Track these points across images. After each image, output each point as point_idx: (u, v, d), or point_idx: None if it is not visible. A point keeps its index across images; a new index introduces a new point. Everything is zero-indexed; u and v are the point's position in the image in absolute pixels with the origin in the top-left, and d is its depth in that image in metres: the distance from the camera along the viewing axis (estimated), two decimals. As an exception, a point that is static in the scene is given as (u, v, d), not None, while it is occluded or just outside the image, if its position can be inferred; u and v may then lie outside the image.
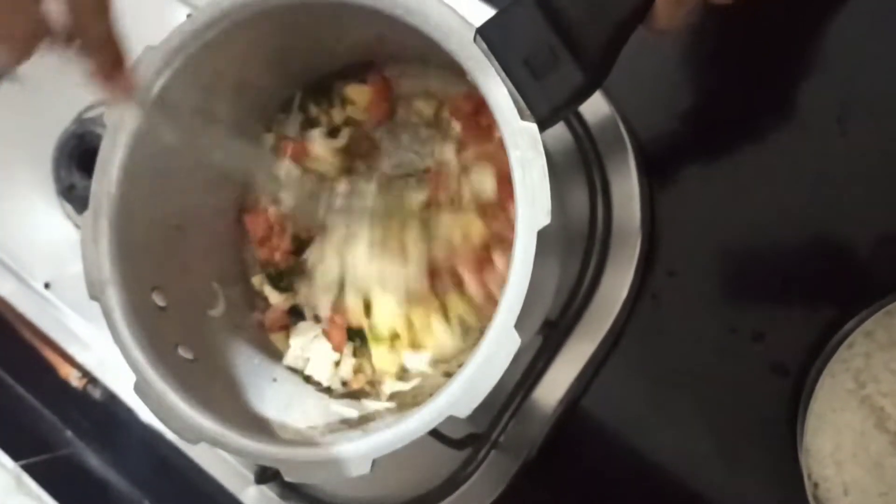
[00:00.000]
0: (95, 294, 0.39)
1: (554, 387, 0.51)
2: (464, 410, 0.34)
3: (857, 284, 0.49)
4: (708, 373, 0.51)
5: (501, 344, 0.34)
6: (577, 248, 0.50)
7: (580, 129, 0.50)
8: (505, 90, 0.35)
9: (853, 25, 0.49)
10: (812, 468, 0.47)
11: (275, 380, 0.45)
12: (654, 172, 0.52)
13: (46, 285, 0.60)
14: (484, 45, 0.35)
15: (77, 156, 0.58)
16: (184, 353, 0.41)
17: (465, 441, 0.49)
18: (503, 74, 0.35)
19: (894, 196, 0.48)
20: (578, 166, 0.51)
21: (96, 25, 0.32)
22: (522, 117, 0.35)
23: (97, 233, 0.40)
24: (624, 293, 0.51)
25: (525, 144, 0.34)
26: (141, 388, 0.38)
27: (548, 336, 0.50)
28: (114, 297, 0.39)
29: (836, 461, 0.47)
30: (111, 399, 0.59)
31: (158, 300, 0.41)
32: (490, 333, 0.34)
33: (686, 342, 0.51)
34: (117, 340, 0.39)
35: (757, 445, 0.50)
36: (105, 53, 0.33)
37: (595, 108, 0.51)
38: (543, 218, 0.33)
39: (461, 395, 0.34)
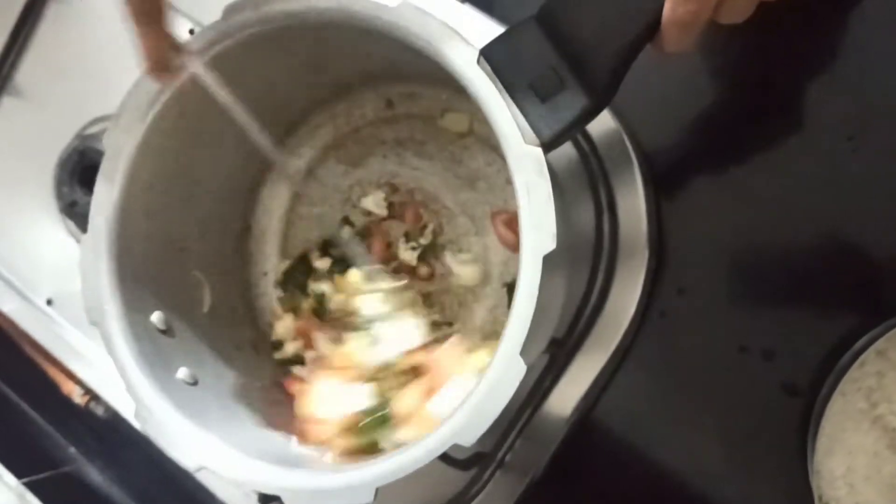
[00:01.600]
0: (95, 319, 0.39)
1: (561, 405, 0.50)
2: (469, 438, 0.34)
3: (868, 301, 0.48)
4: (718, 392, 0.50)
5: (507, 371, 0.33)
6: (583, 264, 0.50)
7: (585, 143, 0.50)
8: (508, 113, 0.34)
9: (864, 40, 0.48)
10: (823, 490, 0.46)
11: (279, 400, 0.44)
12: (661, 187, 0.51)
13: (49, 302, 0.60)
14: (488, 67, 0.35)
15: (79, 172, 0.57)
16: (184, 377, 0.40)
17: (471, 461, 0.48)
18: (507, 97, 0.34)
19: (905, 213, 0.48)
20: (583, 181, 0.50)
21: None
22: (526, 140, 0.34)
23: (96, 256, 0.39)
24: (632, 310, 0.50)
25: (530, 168, 0.33)
26: (141, 415, 0.38)
27: (554, 354, 0.49)
28: (113, 321, 0.39)
29: (848, 483, 0.46)
30: (114, 416, 0.59)
31: (159, 324, 0.41)
32: (495, 360, 0.33)
33: (695, 361, 0.50)
34: (118, 366, 0.38)
35: (768, 466, 0.49)
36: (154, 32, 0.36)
37: (600, 122, 0.50)
38: (549, 243, 0.33)
39: (466, 423, 0.34)
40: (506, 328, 0.33)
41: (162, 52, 0.36)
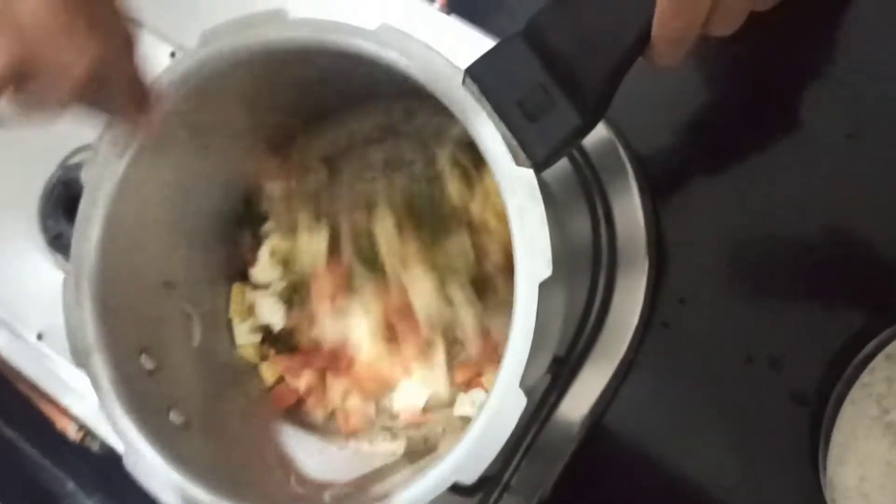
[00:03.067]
0: (81, 361, 0.38)
1: (566, 423, 0.49)
2: (471, 475, 0.33)
3: (874, 303, 0.47)
4: (725, 403, 0.49)
5: (506, 404, 0.32)
6: (582, 279, 0.49)
7: (578, 154, 0.49)
8: (498, 135, 0.33)
9: (859, 38, 0.48)
10: (837, 501, 0.45)
11: (274, 438, 0.43)
12: (658, 194, 0.50)
13: (39, 336, 0.59)
14: (474, 87, 0.34)
15: (63, 204, 0.56)
16: (176, 417, 0.39)
17: (476, 486, 0.47)
18: (496, 117, 0.33)
19: (908, 213, 0.47)
20: (578, 193, 0.49)
21: (125, 66, 0.33)
22: (518, 162, 0.33)
23: (80, 296, 0.38)
24: (634, 323, 0.49)
25: (522, 192, 0.32)
26: (132, 461, 0.36)
27: (556, 373, 0.48)
28: (100, 363, 0.37)
29: (862, 493, 0.45)
30: (110, 451, 0.58)
31: (147, 363, 0.40)
32: (494, 393, 0.32)
33: (701, 372, 0.49)
34: (105, 410, 0.37)
35: (780, 477, 0.48)
36: (133, 92, 0.34)
37: (593, 131, 0.49)
38: (545, 269, 0.32)
39: (467, 459, 0.33)
40: (503, 359, 0.32)
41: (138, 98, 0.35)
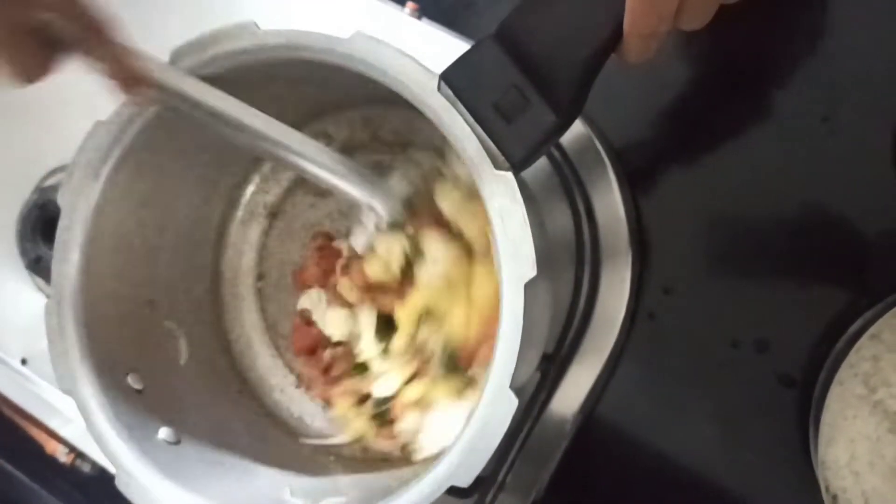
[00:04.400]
0: (67, 387, 0.37)
1: (558, 419, 0.49)
2: (465, 479, 0.33)
3: (856, 283, 0.48)
4: (715, 390, 0.49)
5: (497, 406, 0.32)
6: (566, 275, 0.49)
7: (556, 151, 0.49)
8: (475, 138, 0.33)
9: (831, 21, 0.48)
10: (829, 480, 0.45)
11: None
12: (638, 187, 0.50)
13: (23, 361, 0.58)
14: (449, 92, 0.33)
15: (41, 227, 0.56)
16: (166, 436, 0.39)
17: (472, 487, 0.47)
18: (472, 121, 0.33)
19: (886, 192, 0.47)
20: (558, 190, 0.49)
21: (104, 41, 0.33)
22: (496, 164, 0.33)
23: (62, 322, 0.38)
24: (620, 315, 0.49)
25: (502, 193, 0.32)
26: (122, 481, 0.36)
27: (546, 370, 0.48)
28: (87, 388, 0.37)
29: (853, 471, 0.45)
30: (101, 472, 0.57)
31: (135, 384, 0.39)
32: (485, 397, 0.32)
33: (689, 360, 0.50)
34: (94, 434, 0.37)
35: (771, 460, 0.48)
36: (117, 65, 0.34)
37: (570, 128, 0.49)
38: (529, 270, 0.32)
39: (460, 463, 0.33)
40: (492, 362, 0.32)
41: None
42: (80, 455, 0.58)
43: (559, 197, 0.49)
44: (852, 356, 0.45)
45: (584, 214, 0.49)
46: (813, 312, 0.48)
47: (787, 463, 0.48)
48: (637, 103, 0.51)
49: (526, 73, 0.33)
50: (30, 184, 0.57)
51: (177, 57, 0.36)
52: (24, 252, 0.57)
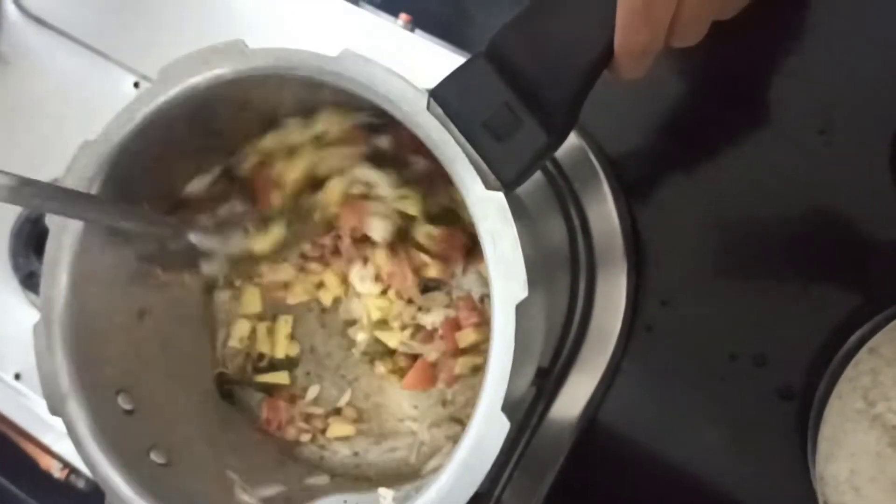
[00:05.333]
0: (56, 409, 0.37)
1: (555, 434, 0.49)
2: (457, 503, 0.32)
3: (856, 297, 0.47)
4: (713, 404, 0.49)
5: (490, 429, 0.32)
6: (561, 289, 0.48)
7: (551, 164, 0.48)
8: (465, 158, 0.32)
9: (827, 34, 0.48)
10: (829, 496, 0.45)
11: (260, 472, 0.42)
12: (634, 198, 0.50)
13: (17, 377, 0.58)
14: (439, 110, 0.33)
15: (33, 242, 0.55)
16: (157, 457, 0.38)
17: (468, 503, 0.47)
18: (462, 140, 0.33)
19: (884, 204, 0.46)
20: (553, 204, 0.49)
21: None
22: (487, 184, 0.32)
23: (51, 342, 0.37)
24: (617, 329, 0.49)
25: (493, 215, 0.32)
26: (113, 505, 0.36)
27: (542, 385, 0.48)
28: (76, 409, 0.37)
29: (853, 487, 0.45)
30: (95, 488, 0.56)
31: (125, 404, 0.39)
32: (476, 419, 0.32)
33: (687, 374, 0.49)
34: (83, 456, 0.36)
35: (771, 474, 0.48)
36: None
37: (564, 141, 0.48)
38: (520, 291, 0.31)
39: (452, 488, 0.32)
40: (483, 383, 0.32)
41: None
42: (74, 471, 0.58)
43: (554, 209, 0.49)
44: (850, 370, 0.44)
45: (578, 227, 0.48)
46: (812, 325, 0.47)
47: (786, 477, 0.47)
48: (633, 115, 0.51)
49: (517, 91, 0.33)
50: (22, 199, 0.57)
51: (165, 75, 0.36)
52: (16, 267, 0.57)
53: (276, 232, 0.44)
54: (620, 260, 0.49)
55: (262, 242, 0.44)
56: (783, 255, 0.48)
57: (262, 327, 0.47)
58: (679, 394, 0.49)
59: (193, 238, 0.42)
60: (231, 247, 0.44)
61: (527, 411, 0.48)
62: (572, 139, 0.49)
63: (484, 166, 0.33)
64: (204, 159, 0.42)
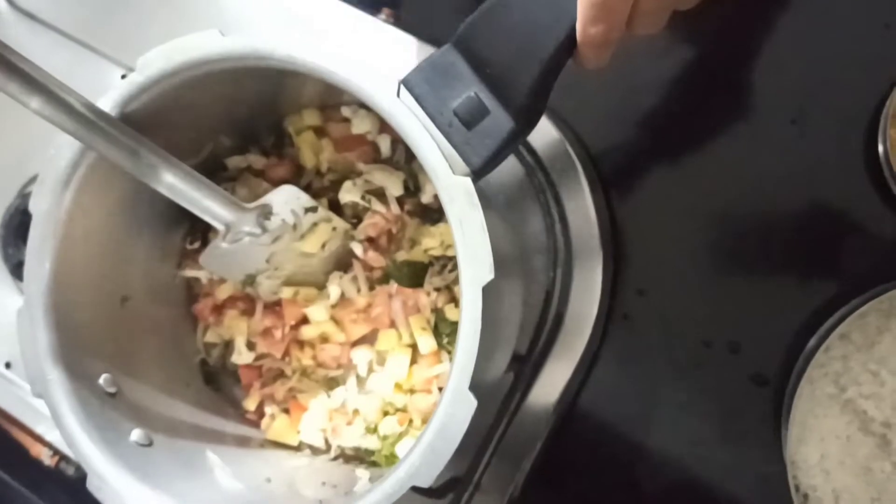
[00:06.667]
0: (39, 391, 0.38)
1: (533, 420, 0.49)
2: (426, 479, 0.33)
3: (828, 285, 0.48)
4: (688, 391, 0.49)
5: (457, 407, 0.33)
6: (538, 277, 0.49)
7: (529, 156, 0.49)
8: (435, 144, 0.33)
9: (798, 25, 0.48)
10: (800, 479, 0.46)
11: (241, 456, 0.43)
12: (612, 189, 0.51)
13: (7, 365, 0.59)
14: (410, 98, 0.34)
15: (23, 232, 0.55)
16: (139, 439, 0.39)
17: (446, 487, 0.48)
18: (432, 126, 0.34)
19: (856, 194, 0.47)
20: (531, 194, 0.50)
21: None
22: (455, 170, 0.33)
23: (34, 326, 0.38)
24: (593, 317, 0.49)
25: (461, 199, 0.33)
26: (94, 484, 0.37)
27: (519, 371, 0.49)
28: (59, 392, 0.38)
29: (823, 470, 0.46)
30: (86, 475, 0.57)
31: (107, 386, 0.40)
32: (445, 397, 0.33)
33: (663, 361, 0.50)
34: (65, 437, 0.37)
35: (745, 458, 0.49)
36: None
37: (542, 133, 0.49)
38: (487, 274, 0.32)
39: (421, 464, 0.33)
40: (452, 364, 0.33)
41: None
42: (64, 458, 0.58)
43: (532, 201, 0.50)
44: (822, 356, 0.45)
45: (556, 218, 0.49)
46: (785, 313, 0.48)
47: (761, 461, 0.48)
48: (612, 109, 0.52)
49: (485, 80, 0.34)
50: (12, 190, 0.58)
51: (144, 66, 0.37)
52: (6, 257, 0.57)
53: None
54: (597, 250, 0.49)
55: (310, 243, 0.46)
56: (757, 244, 0.49)
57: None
58: (655, 380, 0.50)
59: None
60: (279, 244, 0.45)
61: (505, 397, 0.49)
62: (551, 132, 0.49)
63: (453, 152, 0.34)
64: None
